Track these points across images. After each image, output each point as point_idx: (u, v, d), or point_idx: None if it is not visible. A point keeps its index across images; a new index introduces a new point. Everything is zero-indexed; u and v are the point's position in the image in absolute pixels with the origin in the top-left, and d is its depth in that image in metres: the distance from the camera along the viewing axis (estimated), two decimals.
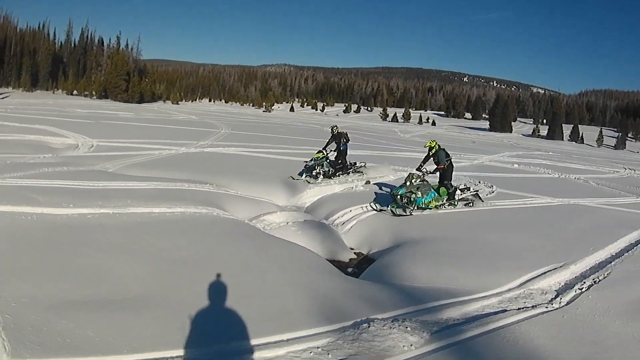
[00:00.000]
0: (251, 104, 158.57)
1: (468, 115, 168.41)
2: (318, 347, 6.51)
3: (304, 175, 19.42)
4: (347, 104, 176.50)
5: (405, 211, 14.86)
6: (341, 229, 14.47)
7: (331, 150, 20.55)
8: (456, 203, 16.01)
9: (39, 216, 11.01)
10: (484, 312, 8.22)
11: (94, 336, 6.02)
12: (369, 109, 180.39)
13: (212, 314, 7.12)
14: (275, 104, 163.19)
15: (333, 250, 12.53)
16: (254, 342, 6.42)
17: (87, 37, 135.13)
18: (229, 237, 11.09)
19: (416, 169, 16.20)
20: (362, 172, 20.63)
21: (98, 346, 5.86)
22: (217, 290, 7.84)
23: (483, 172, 26.68)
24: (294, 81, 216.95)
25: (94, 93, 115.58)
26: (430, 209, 15.44)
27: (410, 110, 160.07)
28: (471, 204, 16.34)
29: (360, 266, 11.88)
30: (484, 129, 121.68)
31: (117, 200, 12.80)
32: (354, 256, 12.75)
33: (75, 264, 8.33)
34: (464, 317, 7.97)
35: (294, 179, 19.28)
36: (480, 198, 16.83)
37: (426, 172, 16.02)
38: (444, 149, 16.26)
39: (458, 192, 16.21)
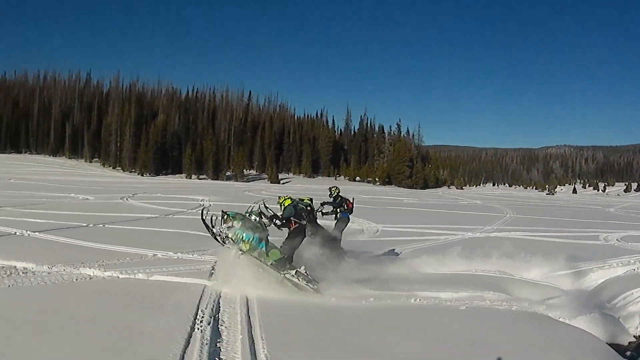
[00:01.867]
0: (534, 187, 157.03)
1: None
2: None
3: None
4: (627, 183, 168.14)
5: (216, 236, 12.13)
6: (622, 312, 13.71)
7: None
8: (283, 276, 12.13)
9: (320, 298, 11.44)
10: None
11: None
12: None
13: None
14: (558, 186, 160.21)
15: (613, 333, 11.95)
16: None
17: (367, 124, 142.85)
18: (512, 321, 10.88)
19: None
20: None
21: None
22: None
23: None
24: (574, 162, 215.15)
25: (377, 179, 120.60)
26: (242, 250, 11.95)
27: None
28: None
29: (638, 349, 11.45)
30: None
31: (404, 285, 13.04)
32: (633, 339, 12.14)
33: (355, 342, 8.41)
34: None
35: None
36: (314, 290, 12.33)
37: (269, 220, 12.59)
38: (298, 207, 13.20)
39: (292, 272, 12.22)
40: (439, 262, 17.39)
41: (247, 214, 12.41)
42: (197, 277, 12.28)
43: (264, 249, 12.23)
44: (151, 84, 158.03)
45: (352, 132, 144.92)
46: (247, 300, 10.44)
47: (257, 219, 12.38)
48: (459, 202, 58.93)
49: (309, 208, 14.03)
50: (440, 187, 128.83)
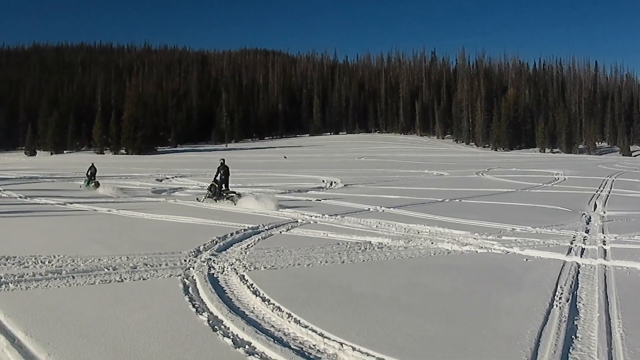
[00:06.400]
0: None
1: None
2: None
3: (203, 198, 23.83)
4: None
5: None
6: None
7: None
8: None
9: None
10: None
11: None
12: None
13: None
14: None
15: None
16: None
17: None
18: None
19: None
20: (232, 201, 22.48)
21: None
22: None
23: None
24: None
25: None
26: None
27: None
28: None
29: None
30: None
31: None
32: None
33: None
34: None
35: (199, 200, 23.54)
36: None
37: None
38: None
39: (95, 189, 28.55)
40: None
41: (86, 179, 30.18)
42: (556, 252, 12.06)
43: (85, 183, 29.43)
44: (497, 58, 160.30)
45: None
46: (605, 277, 10.05)
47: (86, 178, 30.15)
48: None
49: None
50: None
